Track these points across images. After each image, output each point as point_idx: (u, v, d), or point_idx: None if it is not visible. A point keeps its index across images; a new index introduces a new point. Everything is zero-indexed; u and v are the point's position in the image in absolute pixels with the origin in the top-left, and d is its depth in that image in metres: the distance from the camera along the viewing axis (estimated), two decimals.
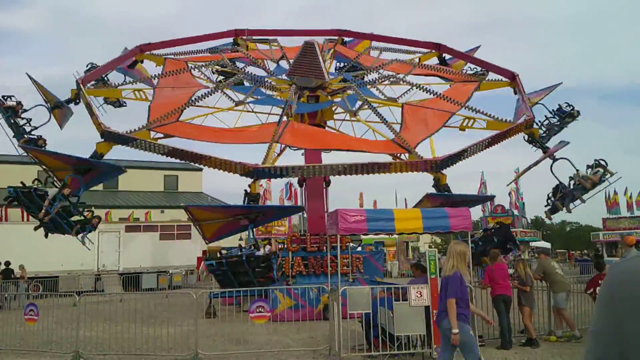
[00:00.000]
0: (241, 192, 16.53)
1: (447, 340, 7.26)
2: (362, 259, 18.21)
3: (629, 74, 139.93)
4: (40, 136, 16.76)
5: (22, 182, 15.70)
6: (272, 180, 41.78)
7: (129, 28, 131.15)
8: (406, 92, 19.82)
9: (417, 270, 11.90)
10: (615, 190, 45.11)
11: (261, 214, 17.72)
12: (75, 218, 16.19)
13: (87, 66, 18.51)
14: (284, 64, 22.15)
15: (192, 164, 17.58)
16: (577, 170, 17.35)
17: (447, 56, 22.43)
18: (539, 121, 18.52)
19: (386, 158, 17.07)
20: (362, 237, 22.17)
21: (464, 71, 21.56)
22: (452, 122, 18.51)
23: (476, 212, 46.17)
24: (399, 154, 16.86)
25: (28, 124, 16.89)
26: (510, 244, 17.30)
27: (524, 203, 48.92)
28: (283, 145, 18.56)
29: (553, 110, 18.75)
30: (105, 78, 19.64)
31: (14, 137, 16.58)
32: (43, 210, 15.18)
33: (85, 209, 16.58)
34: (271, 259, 16.94)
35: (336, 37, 23.73)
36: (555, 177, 17.63)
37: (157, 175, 51.12)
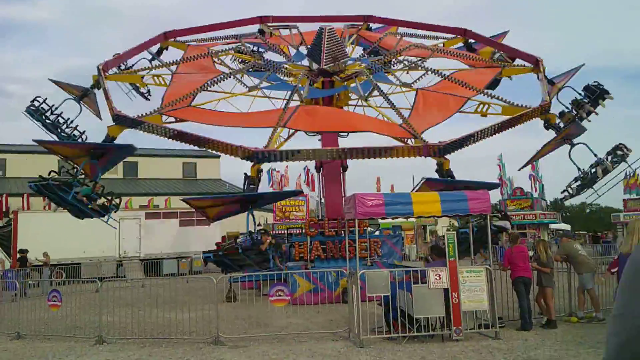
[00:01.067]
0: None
1: None
2: (380, 243, 18.23)
3: None
4: (79, 130, 17.28)
5: (39, 175, 15.98)
6: (289, 165, 41.97)
7: (148, 18, 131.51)
8: (421, 76, 19.60)
9: (434, 254, 11.91)
10: (635, 171, 44.51)
11: (260, 199, 17.96)
12: (102, 200, 16.68)
13: (113, 55, 18.65)
14: (303, 49, 22.07)
15: (210, 151, 17.60)
16: (596, 155, 17.00)
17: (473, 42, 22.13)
18: (570, 103, 17.91)
19: (395, 141, 17.02)
20: (380, 221, 22.12)
21: (493, 57, 21.25)
22: (468, 107, 18.29)
23: (495, 195, 45.92)
24: (405, 139, 16.74)
25: (61, 119, 17.23)
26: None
27: (543, 185, 48.42)
28: (292, 130, 18.58)
29: (581, 92, 18.07)
30: (130, 66, 19.76)
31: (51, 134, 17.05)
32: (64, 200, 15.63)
33: (107, 195, 16.93)
34: (267, 249, 17.04)
35: (361, 23, 23.52)
36: (574, 163, 17.32)
37: (176, 163, 51.54)
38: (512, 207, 41.97)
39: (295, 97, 18.58)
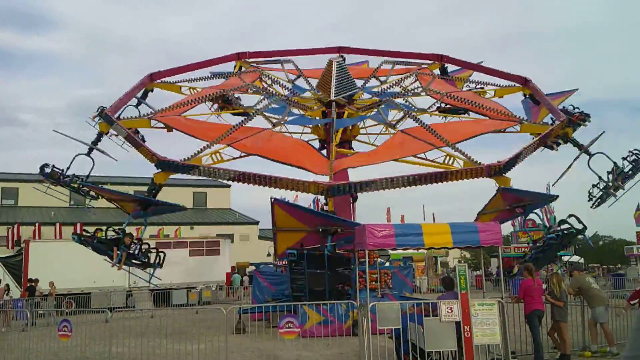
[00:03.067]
0: (269, 206, 16.54)
1: None
2: (390, 274, 18.11)
3: None
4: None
5: (85, 230, 16.28)
6: (299, 196, 42.00)
7: (160, 49, 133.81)
8: (433, 104, 19.74)
9: (445, 287, 11.83)
10: None
11: (341, 229, 16.89)
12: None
13: (97, 110, 18.08)
14: (301, 82, 22.24)
15: (220, 180, 17.55)
16: (615, 163, 17.05)
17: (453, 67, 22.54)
18: (607, 172, 17.48)
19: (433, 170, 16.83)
20: (390, 252, 22.03)
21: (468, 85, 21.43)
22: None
23: (506, 227, 45.57)
24: (451, 161, 16.53)
25: (77, 179, 17.45)
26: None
27: (555, 217, 48.12)
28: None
29: (625, 157, 17.43)
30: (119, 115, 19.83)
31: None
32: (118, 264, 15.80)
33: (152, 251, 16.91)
34: (351, 260, 15.67)
35: (336, 54, 23.48)
36: (594, 172, 17.28)
37: (186, 192, 51.80)
38: (524, 239, 41.63)
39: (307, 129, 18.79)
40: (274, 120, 19.57)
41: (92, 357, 12.68)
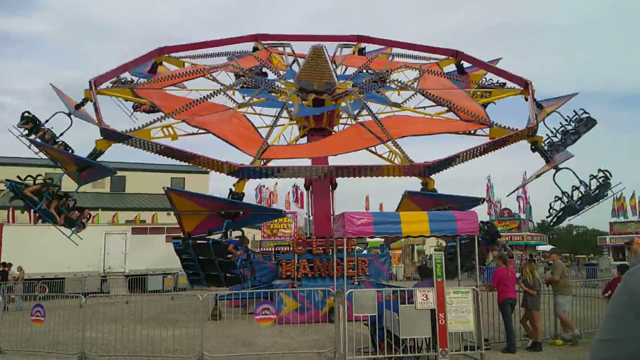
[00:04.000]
0: (249, 193, 16.56)
1: None
2: (367, 262, 18.20)
3: None
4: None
5: (18, 176, 16.12)
6: (278, 182, 41.88)
7: (146, 34, 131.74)
8: (410, 97, 19.70)
9: (421, 275, 11.92)
10: (622, 195, 45.01)
11: (241, 212, 16.94)
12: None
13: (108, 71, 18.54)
14: (295, 67, 22.19)
15: (197, 166, 17.48)
16: (582, 182, 17.15)
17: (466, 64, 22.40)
18: (554, 128, 18.26)
19: (380, 161, 17.09)
20: (368, 239, 22.12)
21: (482, 80, 21.43)
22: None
23: (483, 215, 46.09)
24: (393, 157, 16.81)
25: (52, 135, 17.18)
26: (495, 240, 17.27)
27: (530, 207, 48.80)
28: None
29: (568, 117, 18.42)
30: (124, 80, 19.83)
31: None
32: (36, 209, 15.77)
33: (75, 207, 16.79)
34: (238, 248, 15.67)
35: (355, 42, 23.69)
36: (558, 187, 17.44)
37: (164, 178, 51.20)
38: (499, 228, 42.15)
39: (285, 114, 18.61)
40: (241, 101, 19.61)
41: (65, 342, 12.53)
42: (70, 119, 17.58)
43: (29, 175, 16.39)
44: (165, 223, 35.23)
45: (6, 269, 24.13)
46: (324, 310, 15.58)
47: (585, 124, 17.99)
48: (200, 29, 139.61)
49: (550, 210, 17.54)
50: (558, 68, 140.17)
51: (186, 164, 18.71)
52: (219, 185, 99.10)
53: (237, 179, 15.64)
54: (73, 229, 16.55)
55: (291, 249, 18.46)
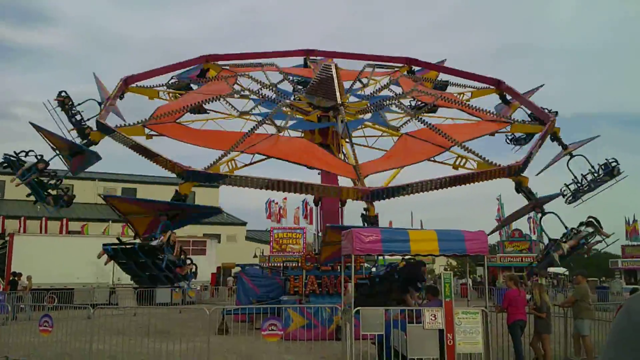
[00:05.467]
0: (258, 207, 16.56)
1: None
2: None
3: None
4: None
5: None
6: (288, 197, 41.81)
7: (157, 48, 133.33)
8: (407, 121, 19.44)
9: (430, 294, 11.80)
10: (635, 217, 44.61)
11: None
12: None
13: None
14: (284, 85, 21.98)
15: (219, 184, 17.30)
16: (592, 166, 17.16)
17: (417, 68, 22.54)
18: (582, 174, 17.61)
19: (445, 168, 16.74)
20: (377, 257, 22.00)
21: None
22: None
23: (493, 236, 45.80)
24: (463, 162, 16.42)
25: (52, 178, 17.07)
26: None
27: (541, 228, 48.37)
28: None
29: (599, 164, 17.51)
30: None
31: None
32: (18, 174, 15.55)
33: (61, 187, 16.71)
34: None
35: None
36: (571, 172, 17.38)
37: (173, 191, 51.42)
38: (510, 249, 41.88)
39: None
40: (278, 125, 19.31)
41: (72, 354, 12.54)
42: (100, 107, 17.71)
43: (22, 150, 16.48)
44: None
45: (16, 278, 24.28)
46: (331, 327, 15.49)
47: (610, 172, 17.45)
48: (214, 45, 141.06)
49: (564, 190, 17.52)
50: (567, 89, 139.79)
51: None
52: (229, 200, 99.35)
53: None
54: (56, 206, 16.60)
55: (299, 264, 18.41)
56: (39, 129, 16.13)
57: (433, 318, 10.37)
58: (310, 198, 30.14)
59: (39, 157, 16.35)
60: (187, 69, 20.92)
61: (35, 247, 28.02)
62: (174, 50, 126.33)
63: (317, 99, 19.01)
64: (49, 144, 16.93)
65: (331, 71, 19.01)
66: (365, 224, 15.08)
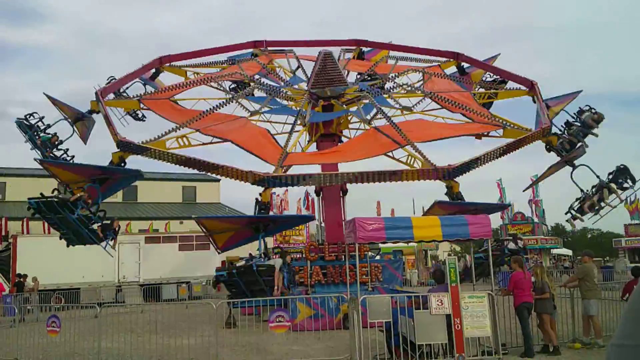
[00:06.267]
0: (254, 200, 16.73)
1: None
2: (381, 268, 18.13)
3: None
4: (68, 154, 17.29)
5: (41, 193, 15.71)
6: (289, 189, 41.92)
7: (151, 43, 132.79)
8: (420, 101, 19.64)
9: (436, 279, 11.83)
10: (636, 196, 44.58)
11: (271, 223, 17.55)
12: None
13: (107, 79, 18.77)
14: (300, 73, 22.28)
15: (209, 174, 17.64)
16: (599, 177, 17.11)
17: (466, 65, 22.32)
18: (562, 126, 18.21)
19: (399, 166, 17.09)
20: (381, 245, 22.05)
21: (484, 78, 21.41)
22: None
23: (495, 220, 45.86)
24: (412, 161, 16.82)
25: (51, 142, 17.23)
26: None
27: (543, 210, 48.40)
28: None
29: (575, 113, 18.36)
30: (124, 90, 19.98)
31: (34, 150, 17.03)
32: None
33: (105, 217, 16.75)
34: (281, 268, 16.54)
35: (354, 47, 23.78)
36: (576, 184, 17.40)
37: (176, 187, 51.50)
38: (513, 232, 41.93)
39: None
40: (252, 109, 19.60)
41: (81, 353, 12.58)
42: (73, 128, 17.77)
43: (55, 189, 16.34)
44: (178, 232, 35.37)
45: (21, 279, 24.33)
46: (338, 317, 15.53)
47: (592, 119, 17.82)
48: (206, 38, 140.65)
49: (571, 210, 17.51)
50: (560, 70, 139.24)
51: (197, 172, 18.88)
52: (231, 193, 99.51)
53: (263, 187, 15.83)
54: (106, 241, 16.61)
55: (304, 255, 18.45)
56: (45, 163, 16.37)
57: (440, 303, 10.39)
58: (311, 189, 30.21)
59: (51, 134, 17.15)
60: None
61: (39, 248, 28.03)
62: (168, 44, 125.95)
63: (327, 90, 19.09)
64: (59, 180, 17.07)
65: (334, 59, 19.06)
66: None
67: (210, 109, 17.73)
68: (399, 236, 11.65)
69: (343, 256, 16.95)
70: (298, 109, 19.22)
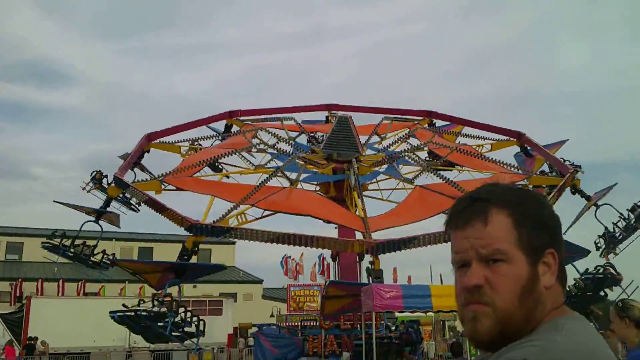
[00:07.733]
0: (273, 264, 16.46)
1: None
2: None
3: None
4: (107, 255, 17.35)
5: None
6: (304, 253, 41.53)
7: (175, 105, 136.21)
8: (419, 173, 19.43)
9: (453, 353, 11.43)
10: None
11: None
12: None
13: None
14: (299, 139, 22.20)
15: (224, 238, 17.41)
16: (620, 214, 17.01)
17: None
18: (613, 223, 17.45)
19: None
20: (397, 314, 21.53)
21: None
22: None
23: None
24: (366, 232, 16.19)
25: (87, 248, 16.91)
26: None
27: (598, 220, 46.99)
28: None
29: (627, 209, 17.27)
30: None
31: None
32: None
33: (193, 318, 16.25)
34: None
35: (422, 118, 23.67)
36: (600, 222, 17.36)
37: None
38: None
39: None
40: (291, 179, 19.39)
41: None
42: (99, 225, 16.97)
43: (141, 300, 16.49)
44: (190, 296, 34.98)
45: (32, 342, 24.03)
46: None
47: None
48: (230, 101, 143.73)
49: (597, 242, 17.33)
50: (584, 136, 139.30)
51: (215, 238, 18.71)
52: (245, 254, 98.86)
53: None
54: (197, 341, 16.60)
55: (318, 323, 18.02)
56: (119, 261, 16.59)
57: None
58: (327, 253, 29.85)
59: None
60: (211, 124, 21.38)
61: (53, 310, 27.82)
62: (190, 106, 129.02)
63: (336, 152, 19.15)
64: (131, 272, 17.49)
65: (349, 124, 19.25)
66: (371, 279, 14.70)
67: (261, 182, 17.10)
68: (417, 305, 11.37)
69: (358, 325, 16.54)
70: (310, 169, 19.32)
